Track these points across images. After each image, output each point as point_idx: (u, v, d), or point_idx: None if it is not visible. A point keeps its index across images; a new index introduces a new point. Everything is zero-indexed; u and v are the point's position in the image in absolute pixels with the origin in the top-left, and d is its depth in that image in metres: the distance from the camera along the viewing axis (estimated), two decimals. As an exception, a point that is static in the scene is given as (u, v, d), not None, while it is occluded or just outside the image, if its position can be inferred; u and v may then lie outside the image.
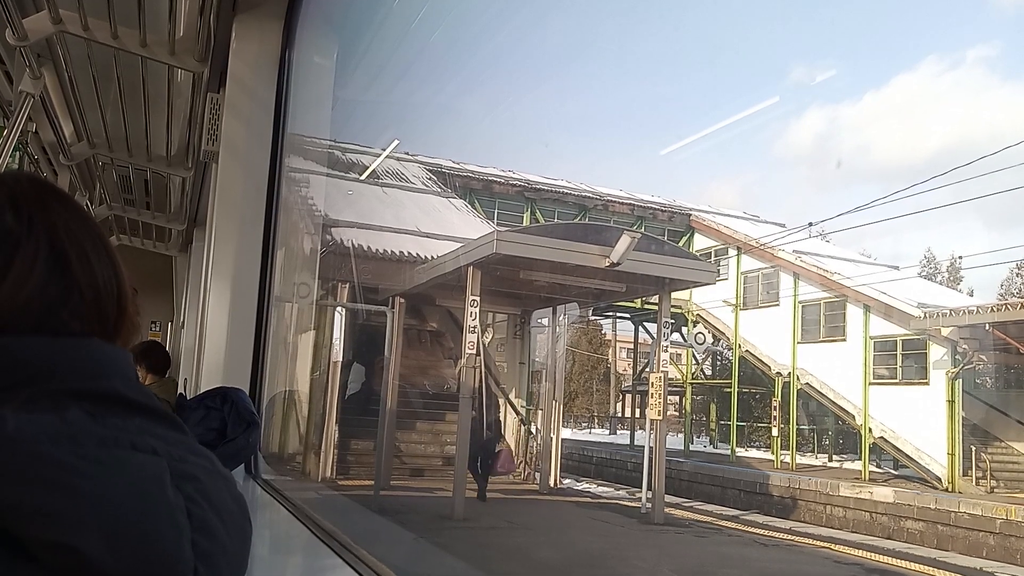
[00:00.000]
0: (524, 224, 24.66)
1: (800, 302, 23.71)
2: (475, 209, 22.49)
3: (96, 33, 3.65)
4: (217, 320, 3.07)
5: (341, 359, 14.30)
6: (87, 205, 7.43)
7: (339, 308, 14.33)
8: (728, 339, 26.71)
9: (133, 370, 0.78)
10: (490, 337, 17.72)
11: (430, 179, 23.42)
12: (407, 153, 24.67)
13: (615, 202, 28.02)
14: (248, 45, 3.01)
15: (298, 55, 3.14)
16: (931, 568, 10.89)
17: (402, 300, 14.61)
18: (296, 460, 14.01)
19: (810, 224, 23.64)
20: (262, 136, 3.05)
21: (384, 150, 21.84)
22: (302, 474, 13.51)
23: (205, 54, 3.49)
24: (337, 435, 13.96)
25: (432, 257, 14.98)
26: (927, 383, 19.64)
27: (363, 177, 20.23)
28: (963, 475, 18.30)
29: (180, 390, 4.85)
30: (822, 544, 12.35)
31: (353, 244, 15.14)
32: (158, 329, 12.65)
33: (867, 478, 20.03)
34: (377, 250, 15.42)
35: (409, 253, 15.53)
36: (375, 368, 15.18)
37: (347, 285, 14.49)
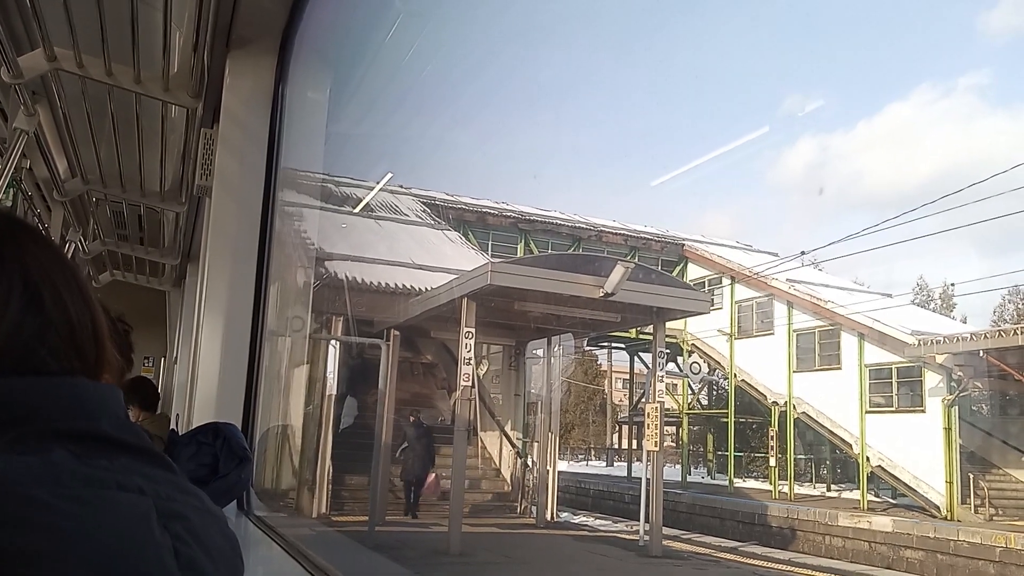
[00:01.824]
0: (518, 255, 24.72)
1: (794, 331, 23.73)
2: (469, 241, 22.58)
3: (90, 70, 3.68)
4: (209, 354, 3.05)
5: (335, 392, 14.22)
6: (80, 241, 7.42)
7: (333, 341, 14.28)
8: (724, 368, 26.68)
9: (122, 408, 0.77)
10: (485, 369, 17.67)
11: (424, 211, 23.52)
12: (401, 186, 24.81)
13: (608, 232, 28.15)
14: (241, 81, 3.03)
15: (291, 90, 3.17)
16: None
17: (396, 332, 14.57)
18: (290, 496, 13.86)
19: (803, 253, 23.80)
20: (255, 170, 3.05)
21: (378, 183, 21.96)
22: (296, 510, 13.36)
23: (199, 90, 3.51)
24: (331, 470, 13.83)
25: (426, 289, 14.98)
26: (923, 411, 19.62)
27: (357, 210, 20.30)
28: (962, 503, 18.20)
29: (172, 426, 4.81)
30: (821, 575, 12.23)
31: (347, 277, 15.15)
32: (151, 364, 12.58)
33: (866, 507, 19.91)
34: (371, 283, 15.43)
35: (403, 285, 15.54)
36: (369, 401, 15.10)
37: (341, 318, 14.46)
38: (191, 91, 3.63)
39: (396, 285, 15.57)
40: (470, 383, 12.08)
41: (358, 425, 15.83)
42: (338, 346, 14.39)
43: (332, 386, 14.11)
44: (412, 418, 14.66)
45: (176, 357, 9.81)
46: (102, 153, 5.23)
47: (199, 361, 3.14)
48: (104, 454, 0.66)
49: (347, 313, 14.55)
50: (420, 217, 22.74)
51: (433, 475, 14.76)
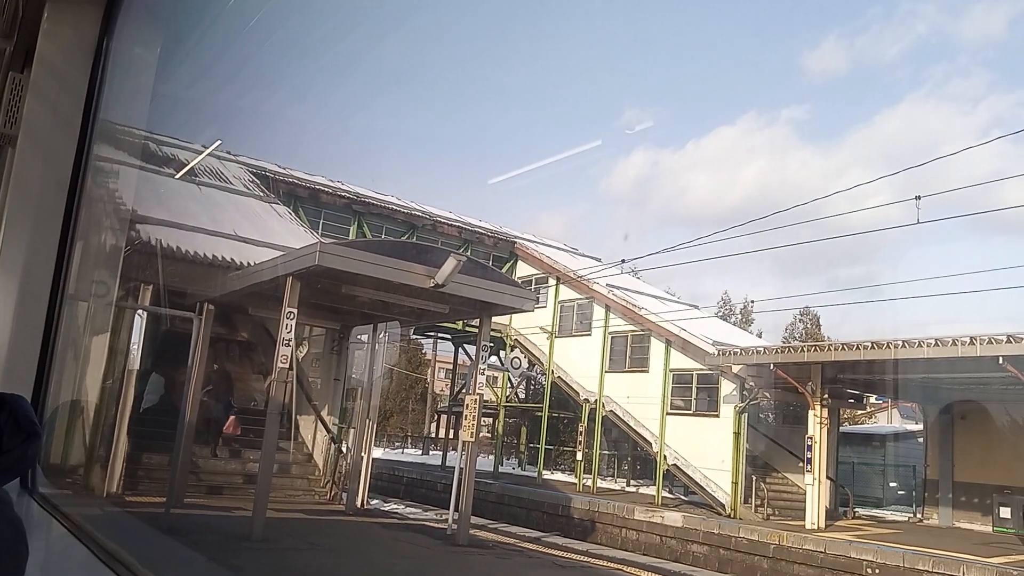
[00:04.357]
0: (350, 237, 24.26)
1: (610, 333, 24.96)
2: (299, 217, 21.88)
3: None
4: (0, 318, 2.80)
5: (138, 367, 13.33)
6: None
7: (140, 311, 13.38)
8: (542, 364, 27.59)
9: None
10: (305, 351, 17.23)
11: (252, 182, 22.51)
12: (229, 152, 23.60)
13: (444, 223, 28.26)
14: (61, 28, 2.80)
15: (117, 44, 2.96)
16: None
17: (211, 307, 13.87)
18: (78, 472, 12.85)
19: (623, 261, 25.06)
20: (69, 125, 2.83)
21: (205, 147, 20.79)
22: (84, 488, 12.42)
23: (10, 29, 3.20)
24: (127, 447, 12.97)
25: (248, 264, 14.37)
26: (717, 415, 21.26)
27: (179, 175, 19.11)
28: (744, 502, 19.90)
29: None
30: (615, 566, 12.96)
31: (161, 243, 14.23)
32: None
33: (660, 503, 21.30)
34: (188, 251, 14.58)
35: (223, 257, 14.81)
36: (176, 379, 14.32)
37: (151, 287, 13.57)
38: (1, 29, 3.30)
39: (215, 256, 14.80)
40: (287, 365, 11.72)
41: (162, 401, 14.96)
42: (145, 317, 13.51)
43: (135, 360, 13.23)
44: (216, 365, 15.15)
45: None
46: None
47: (-14, 324, 2.87)
48: None
49: (158, 282, 13.67)
50: (248, 187, 21.74)
51: (233, 416, 15.17)
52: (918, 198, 15.86)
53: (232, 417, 15.16)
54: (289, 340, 11.66)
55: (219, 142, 20.90)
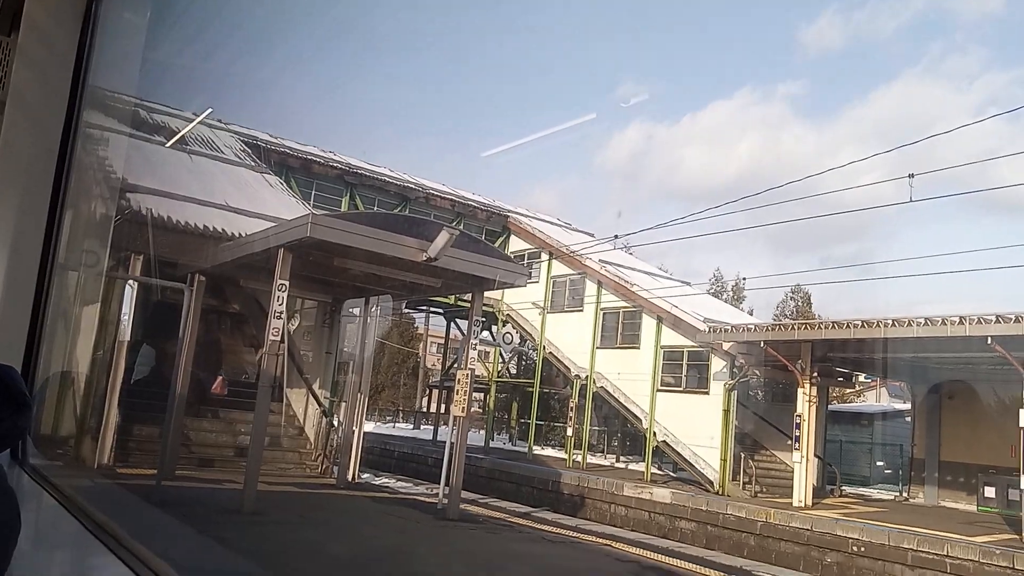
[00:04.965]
0: (343, 209, 24.14)
1: (602, 309, 24.99)
2: (291, 188, 21.73)
3: None
4: (-12, 288, 2.75)
5: (129, 338, 13.26)
6: None
7: (130, 281, 13.29)
8: (534, 340, 27.64)
9: None
10: (296, 324, 17.19)
11: (244, 151, 22.32)
12: (220, 121, 23.37)
13: (437, 196, 28.14)
14: (49, -11, 2.73)
15: (106, 8, 2.88)
16: (698, 566, 11.81)
17: (202, 278, 13.78)
18: (68, 444, 12.83)
19: (616, 236, 25.00)
20: (58, 91, 2.76)
21: (196, 116, 20.59)
22: (75, 459, 12.41)
23: (-4, -10, 3.12)
24: (119, 419, 12.94)
25: (240, 234, 14.27)
26: (707, 392, 21.37)
27: (170, 143, 18.91)
28: (732, 479, 20.07)
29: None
30: (604, 541, 13.05)
31: (152, 213, 14.11)
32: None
33: (649, 479, 21.46)
34: (178, 221, 14.47)
35: (215, 228, 14.71)
36: (167, 351, 14.28)
37: (141, 257, 13.46)
38: (-15, -10, 3.21)
39: (206, 227, 14.70)
40: (279, 338, 11.66)
41: (153, 372, 14.93)
42: (136, 288, 13.41)
43: (126, 331, 13.15)
44: (206, 335, 15.19)
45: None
46: None
47: (-26, 294, 2.82)
48: None
49: (149, 252, 13.57)
50: (239, 157, 21.55)
51: (221, 376, 15.43)
52: (911, 176, 15.82)
53: (220, 377, 15.30)
54: (281, 312, 11.61)
55: (210, 110, 20.71)
